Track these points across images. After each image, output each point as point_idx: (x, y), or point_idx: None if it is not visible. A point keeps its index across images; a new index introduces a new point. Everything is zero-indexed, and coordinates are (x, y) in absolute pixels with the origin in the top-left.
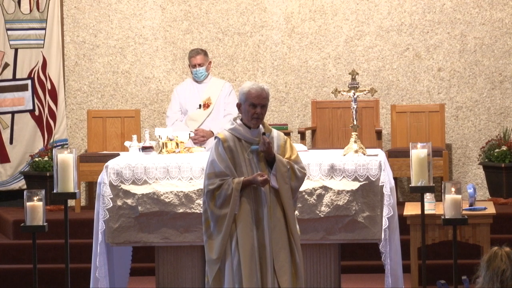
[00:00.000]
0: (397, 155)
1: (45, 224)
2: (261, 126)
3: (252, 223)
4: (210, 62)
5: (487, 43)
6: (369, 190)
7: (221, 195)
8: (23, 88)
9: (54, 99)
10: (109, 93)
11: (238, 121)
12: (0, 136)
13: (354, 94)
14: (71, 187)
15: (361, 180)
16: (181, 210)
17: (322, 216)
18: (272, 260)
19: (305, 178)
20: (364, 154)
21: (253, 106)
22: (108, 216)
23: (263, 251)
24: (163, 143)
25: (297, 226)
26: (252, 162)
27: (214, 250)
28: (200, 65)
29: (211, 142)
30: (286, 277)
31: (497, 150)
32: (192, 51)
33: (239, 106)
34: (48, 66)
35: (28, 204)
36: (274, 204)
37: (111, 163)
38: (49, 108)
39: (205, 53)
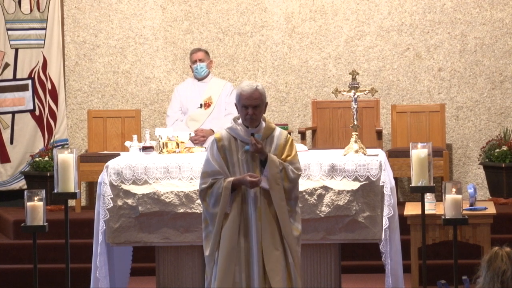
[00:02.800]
0: (398, 155)
1: (45, 224)
2: (265, 124)
3: (238, 225)
4: (211, 61)
5: (487, 43)
6: (369, 190)
7: (213, 194)
8: (24, 88)
9: (55, 99)
10: (109, 93)
11: (239, 121)
12: (0, 136)
13: (355, 94)
14: (72, 187)
15: (362, 180)
16: (181, 210)
17: (322, 216)
18: (261, 261)
19: (301, 178)
20: (365, 154)
21: (245, 107)
22: (108, 216)
23: (249, 253)
24: (163, 143)
25: (298, 226)
26: (245, 162)
27: (208, 247)
28: (200, 60)
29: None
30: (278, 278)
31: (497, 150)
32: (193, 49)
33: (236, 106)
34: (49, 66)
35: (29, 204)
36: (265, 205)
37: (111, 163)
38: (50, 108)
39: (206, 52)
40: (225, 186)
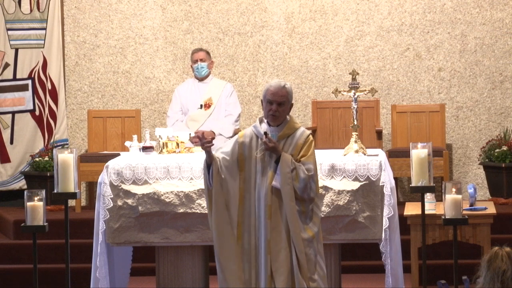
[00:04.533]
0: (398, 155)
1: (45, 224)
2: (288, 123)
3: (222, 199)
4: (212, 62)
5: (487, 43)
6: (369, 190)
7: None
8: (24, 88)
9: (55, 99)
10: (109, 93)
11: (264, 119)
12: (0, 136)
13: (355, 94)
14: (72, 187)
15: (362, 180)
16: (181, 210)
17: (322, 216)
18: (269, 260)
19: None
20: (365, 154)
21: (270, 103)
22: (108, 216)
23: (258, 252)
24: (163, 143)
25: (313, 228)
26: (261, 160)
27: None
28: (202, 60)
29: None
30: (283, 278)
31: (497, 150)
32: (194, 49)
33: (261, 102)
34: (49, 66)
35: (29, 204)
36: (276, 204)
37: (111, 163)
38: (50, 108)
39: (207, 52)
40: (203, 163)
